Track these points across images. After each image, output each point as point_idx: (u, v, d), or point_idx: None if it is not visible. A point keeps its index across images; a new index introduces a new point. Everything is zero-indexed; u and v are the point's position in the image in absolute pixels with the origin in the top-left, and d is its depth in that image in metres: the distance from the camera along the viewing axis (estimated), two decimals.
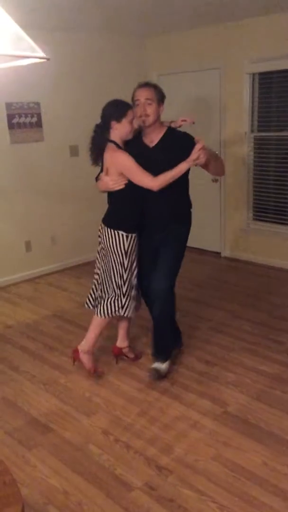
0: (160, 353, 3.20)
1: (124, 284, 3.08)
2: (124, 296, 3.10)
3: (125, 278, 3.07)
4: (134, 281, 3.14)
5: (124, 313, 3.13)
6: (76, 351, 3.29)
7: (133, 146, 2.98)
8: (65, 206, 5.42)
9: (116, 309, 3.11)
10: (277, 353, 3.47)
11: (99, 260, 3.20)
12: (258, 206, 5.43)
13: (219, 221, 5.71)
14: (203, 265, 5.55)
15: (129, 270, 3.08)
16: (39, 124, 5.06)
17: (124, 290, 3.09)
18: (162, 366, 3.17)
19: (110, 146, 2.91)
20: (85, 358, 3.24)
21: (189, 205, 3.28)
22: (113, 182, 2.91)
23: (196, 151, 2.78)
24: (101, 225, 3.10)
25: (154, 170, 2.84)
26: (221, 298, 4.54)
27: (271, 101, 5.07)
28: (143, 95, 2.91)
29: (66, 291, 4.89)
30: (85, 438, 2.65)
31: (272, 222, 5.30)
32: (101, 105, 2.94)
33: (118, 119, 2.88)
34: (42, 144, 5.12)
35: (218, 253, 5.79)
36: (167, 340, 3.26)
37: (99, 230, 3.12)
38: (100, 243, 3.15)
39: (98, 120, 2.96)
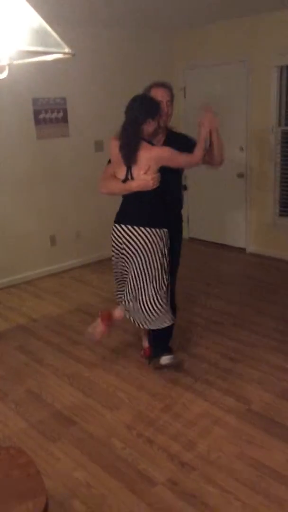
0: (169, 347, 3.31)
1: (169, 283, 3.06)
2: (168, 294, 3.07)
3: (168, 275, 3.04)
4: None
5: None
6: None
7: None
8: (89, 201, 5.44)
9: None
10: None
11: (130, 265, 3.00)
12: (285, 201, 5.35)
13: (244, 216, 5.65)
14: (228, 261, 5.51)
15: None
16: (65, 119, 5.08)
17: (168, 288, 3.06)
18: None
19: (145, 144, 2.87)
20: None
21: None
22: (154, 180, 2.85)
23: (209, 116, 2.88)
24: (132, 228, 2.93)
25: (163, 171, 2.88)
26: (246, 294, 4.50)
27: None
28: (165, 95, 2.96)
29: (90, 285, 4.91)
30: (109, 432, 2.67)
31: None
32: (127, 100, 2.92)
33: (154, 116, 2.86)
34: (68, 139, 5.15)
35: (243, 249, 5.73)
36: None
37: (128, 235, 2.95)
38: (126, 248, 2.97)
39: (123, 116, 2.93)
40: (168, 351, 3.24)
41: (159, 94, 2.95)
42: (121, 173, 2.94)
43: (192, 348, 3.53)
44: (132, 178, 2.90)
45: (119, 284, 3.19)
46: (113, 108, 5.35)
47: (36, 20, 1.34)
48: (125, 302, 3.06)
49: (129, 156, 2.86)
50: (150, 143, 2.90)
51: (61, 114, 5.04)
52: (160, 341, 3.26)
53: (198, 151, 2.90)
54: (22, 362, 3.46)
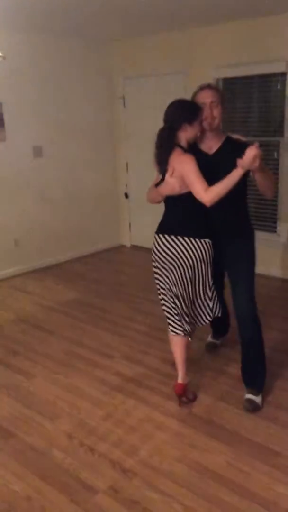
0: (252, 383, 2.98)
1: (213, 292, 2.92)
2: (213, 302, 2.95)
3: (212, 285, 2.90)
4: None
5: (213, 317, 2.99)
6: (180, 386, 2.93)
7: (190, 153, 2.74)
8: (29, 208, 5.34)
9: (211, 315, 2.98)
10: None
11: (178, 281, 2.81)
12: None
13: None
14: None
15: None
16: (0, 124, 4.96)
17: (214, 296, 2.92)
18: (257, 398, 2.91)
19: (178, 149, 2.70)
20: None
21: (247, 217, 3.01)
22: (180, 184, 2.68)
23: (250, 156, 2.44)
24: (172, 239, 2.77)
25: (213, 179, 2.58)
26: None
27: (236, 107, 5.13)
28: (209, 96, 2.76)
29: (30, 294, 4.81)
30: (49, 443, 2.61)
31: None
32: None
33: (191, 122, 2.70)
34: (4, 144, 5.03)
35: None
36: (259, 367, 3.00)
37: (170, 248, 2.78)
38: (168, 260, 2.80)
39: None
40: (254, 387, 2.94)
41: (203, 96, 2.77)
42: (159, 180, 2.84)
43: (134, 354, 3.53)
44: None
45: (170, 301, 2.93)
46: (52, 114, 5.33)
47: None
48: (183, 323, 2.91)
49: (161, 163, 2.75)
50: (188, 149, 2.72)
51: None
52: (252, 369, 3.00)
53: (212, 194, 2.57)
54: None
